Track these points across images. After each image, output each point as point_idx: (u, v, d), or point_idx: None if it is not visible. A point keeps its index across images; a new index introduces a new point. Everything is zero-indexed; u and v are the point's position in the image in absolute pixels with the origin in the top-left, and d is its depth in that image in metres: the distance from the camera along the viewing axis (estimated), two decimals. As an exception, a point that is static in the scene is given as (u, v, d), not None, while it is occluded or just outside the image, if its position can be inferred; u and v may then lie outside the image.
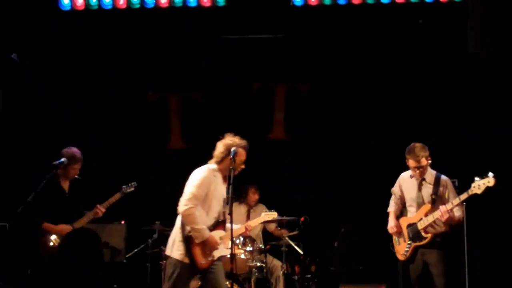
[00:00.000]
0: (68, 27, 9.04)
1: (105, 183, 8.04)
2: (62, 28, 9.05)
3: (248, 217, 8.48)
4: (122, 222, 8.32)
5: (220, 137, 6.15)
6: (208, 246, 5.89)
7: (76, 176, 7.25)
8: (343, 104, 9.43)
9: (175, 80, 9.60)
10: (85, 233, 7.09)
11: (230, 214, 5.79)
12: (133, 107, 9.61)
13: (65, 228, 6.99)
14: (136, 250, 8.33)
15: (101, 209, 7.22)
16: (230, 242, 5.83)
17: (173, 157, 9.63)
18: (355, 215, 8.84)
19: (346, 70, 9.28)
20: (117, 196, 7.40)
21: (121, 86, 9.47)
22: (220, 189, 6.01)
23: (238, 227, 6.40)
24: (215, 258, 5.99)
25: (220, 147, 6.05)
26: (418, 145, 6.49)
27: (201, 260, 5.89)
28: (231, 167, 5.90)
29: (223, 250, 6.06)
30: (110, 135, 9.30)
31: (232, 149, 5.97)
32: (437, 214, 6.38)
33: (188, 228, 5.87)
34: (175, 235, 5.99)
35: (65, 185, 7.21)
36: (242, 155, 6.04)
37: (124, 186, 7.50)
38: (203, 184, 5.90)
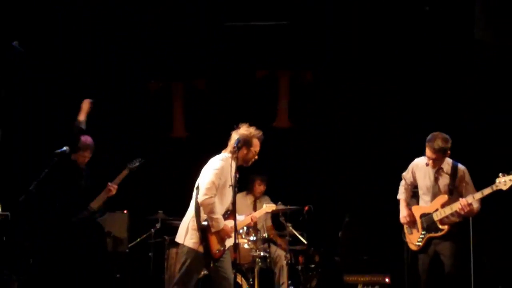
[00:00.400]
0: (69, 14, 9.01)
1: (107, 173, 8.06)
2: (63, 17, 9.03)
3: (254, 208, 8.47)
4: (125, 212, 8.40)
5: (234, 126, 6.17)
6: (222, 235, 5.97)
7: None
8: (348, 91, 9.39)
9: (178, 68, 9.60)
10: (89, 223, 7.18)
11: (233, 203, 5.87)
12: (136, 95, 9.62)
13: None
14: (138, 239, 8.36)
15: (113, 186, 7.26)
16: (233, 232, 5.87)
17: (176, 146, 9.67)
18: (359, 204, 8.82)
19: (351, 58, 9.21)
20: (124, 172, 7.40)
21: (123, 74, 9.45)
22: (233, 179, 6.03)
23: (243, 219, 6.49)
24: (227, 247, 6.07)
25: (235, 137, 6.09)
26: (441, 136, 6.30)
27: (216, 249, 5.97)
28: (234, 156, 6.00)
29: (232, 240, 6.07)
30: (111, 124, 9.29)
31: (236, 137, 6.02)
32: (456, 206, 6.29)
33: (203, 216, 5.93)
34: (188, 223, 6.03)
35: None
36: (256, 145, 6.12)
37: (130, 163, 7.50)
38: (221, 173, 5.95)
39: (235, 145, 6.00)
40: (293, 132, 9.63)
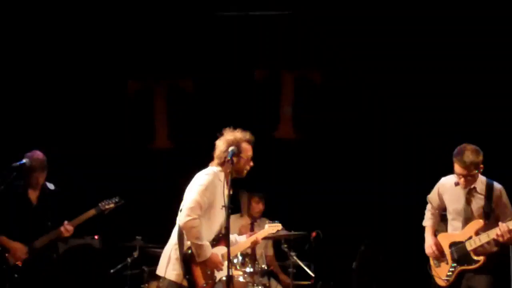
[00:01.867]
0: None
1: (77, 192, 8.01)
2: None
3: (251, 231, 8.38)
4: (96, 237, 8.32)
5: (218, 134, 6.14)
6: (210, 266, 5.92)
7: (49, 185, 7.26)
8: (363, 95, 9.34)
9: (160, 65, 9.58)
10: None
11: (227, 227, 5.77)
12: (110, 98, 9.59)
13: (19, 248, 7.00)
14: (112, 270, 8.24)
15: (67, 228, 7.14)
16: (226, 262, 5.81)
17: (158, 159, 9.65)
18: (377, 229, 8.76)
19: (366, 54, 9.15)
20: (91, 212, 7.29)
21: (95, 72, 9.44)
22: (225, 197, 5.99)
23: (243, 240, 6.41)
24: (217, 280, 6.01)
25: (220, 145, 6.07)
26: (470, 148, 6.23)
27: (202, 283, 5.91)
28: (228, 171, 5.94)
29: (224, 272, 6.02)
30: (81, 133, 9.29)
31: (230, 149, 5.97)
32: (493, 233, 6.18)
33: (187, 243, 5.89)
34: (170, 251, 6.00)
35: (33, 195, 7.21)
36: (247, 150, 6.10)
37: (102, 202, 7.37)
38: (208, 190, 5.92)
39: (229, 157, 5.94)
40: (298, 143, 9.61)
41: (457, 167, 6.27)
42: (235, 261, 7.36)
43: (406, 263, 8.07)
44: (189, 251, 5.88)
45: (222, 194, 5.91)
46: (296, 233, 7.82)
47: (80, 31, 9.25)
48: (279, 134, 9.69)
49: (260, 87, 9.70)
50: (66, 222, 7.13)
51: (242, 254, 7.47)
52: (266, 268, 7.91)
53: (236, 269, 7.37)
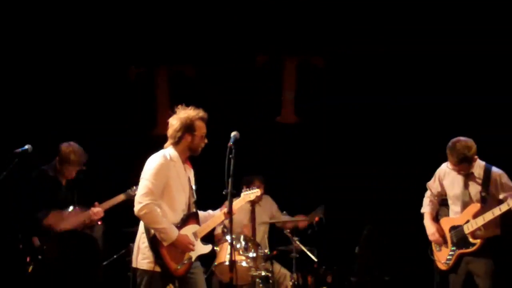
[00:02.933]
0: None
1: (82, 178, 8.00)
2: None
3: (253, 214, 8.48)
4: (99, 223, 8.29)
5: (170, 112, 6.13)
6: (179, 247, 5.82)
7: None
8: (366, 80, 9.31)
9: (162, 51, 9.58)
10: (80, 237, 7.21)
11: (230, 213, 5.71)
12: (112, 84, 9.59)
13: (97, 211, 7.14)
14: (115, 256, 8.30)
15: (96, 211, 7.19)
16: (229, 248, 5.75)
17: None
18: (380, 214, 8.74)
19: (372, 38, 9.11)
20: (120, 197, 7.40)
21: (97, 59, 9.42)
22: (183, 176, 5.97)
23: (216, 214, 6.26)
24: (193, 259, 5.94)
25: (174, 124, 6.03)
26: (462, 141, 6.34)
27: (175, 266, 5.82)
28: (230, 156, 5.79)
29: (202, 248, 6.00)
30: (84, 120, 9.25)
31: (232, 134, 5.88)
32: (488, 216, 6.25)
33: (152, 230, 5.80)
34: (138, 241, 5.92)
35: (63, 179, 7.31)
36: (201, 128, 6.03)
37: (132, 188, 7.42)
38: (159, 174, 5.83)
39: (231, 143, 5.80)
40: (300, 128, 9.62)
41: (450, 160, 6.41)
42: (238, 246, 7.36)
43: (409, 248, 8.02)
44: (156, 235, 5.79)
45: (177, 174, 5.88)
46: (299, 218, 7.87)
47: (81, 18, 9.20)
48: (281, 118, 9.70)
49: (262, 73, 9.69)
50: (96, 203, 7.22)
51: (245, 239, 7.47)
52: (268, 252, 7.90)
53: (239, 254, 7.39)
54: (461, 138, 6.37)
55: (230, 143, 5.83)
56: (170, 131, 6.03)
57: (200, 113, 6.06)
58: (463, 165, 6.35)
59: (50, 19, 9.16)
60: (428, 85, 9.02)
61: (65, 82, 9.34)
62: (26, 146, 6.86)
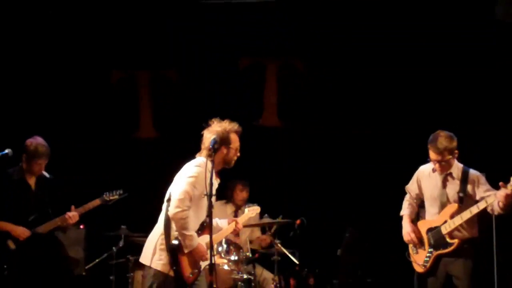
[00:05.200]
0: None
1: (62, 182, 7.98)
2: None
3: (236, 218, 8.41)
4: (81, 227, 8.34)
5: (204, 125, 6.12)
6: (196, 256, 5.92)
7: (45, 173, 7.25)
8: (348, 83, 9.35)
9: (144, 54, 9.54)
10: (48, 240, 7.12)
11: (209, 216, 5.79)
12: (93, 88, 9.54)
13: (23, 232, 6.97)
14: (97, 260, 8.29)
15: (72, 215, 7.12)
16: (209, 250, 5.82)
17: (143, 148, 9.66)
18: (362, 216, 8.79)
19: (352, 42, 9.15)
20: (95, 202, 7.34)
21: (78, 63, 9.38)
22: (213, 187, 5.96)
23: (224, 226, 6.41)
24: (202, 269, 6.03)
25: (209, 137, 6.04)
26: (443, 134, 6.35)
27: (188, 272, 5.92)
28: (218, 161, 5.97)
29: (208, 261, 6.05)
30: (65, 124, 9.23)
31: (212, 137, 5.96)
32: (466, 215, 6.26)
33: (174, 233, 5.89)
34: (156, 241, 5.98)
35: (31, 181, 7.21)
36: (236, 141, 6.11)
37: (106, 193, 7.43)
38: (197, 182, 5.90)
39: (211, 146, 5.93)
40: (282, 131, 9.63)
41: (431, 153, 6.37)
42: (219, 249, 7.35)
43: (392, 250, 7.93)
44: (176, 242, 5.86)
45: (210, 184, 5.91)
46: (280, 220, 7.85)
47: (62, 22, 9.15)
48: (264, 121, 9.70)
49: (244, 76, 9.70)
50: (71, 209, 7.15)
51: (226, 242, 7.46)
52: (250, 255, 7.88)
53: (220, 257, 7.38)
54: (442, 131, 6.38)
55: (210, 146, 5.92)
56: (205, 143, 6.04)
57: (235, 126, 6.13)
58: (445, 156, 6.30)
59: (32, 23, 9.11)
60: (408, 87, 9.09)
61: (47, 86, 9.29)
62: (6, 150, 6.83)
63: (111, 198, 7.44)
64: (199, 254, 5.92)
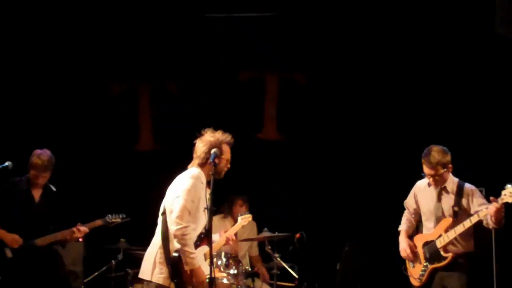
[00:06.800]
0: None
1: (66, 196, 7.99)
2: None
3: (234, 234, 8.38)
4: (80, 240, 8.24)
5: (197, 134, 6.11)
6: (196, 279, 5.87)
7: (51, 186, 7.28)
8: (349, 97, 9.36)
9: (145, 67, 9.56)
10: (47, 253, 7.11)
11: (209, 230, 5.77)
12: (94, 100, 9.55)
13: (15, 239, 6.96)
14: (96, 273, 8.31)
15: (80, 229, 7.13)
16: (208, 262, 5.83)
17: (143, 161, 9.64)
18: (361, 231, 8.80)
19: (352, 55, 9.18)
20: (97, 223, 7.35)
21: (78, 75, 9.39)
22: (207, 197, 5.96)
23: (216, 239, 6.40)
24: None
25: (201, 146, 6.04)
26: (436, 148, 6.38)
27: (190, 285, 5.88)
28: (211, 173, 5.89)
29: (207, 270, 5.96)
30: (65, 136, 9.21)
31: (212, 151, 5.95)
32: (459, 229, 6.29)
33: (173, 246, 5.87)
34: (154, 255, 5.96)
35: (37, 193, 7.22)
36: (227, 152, 6.08)
37: (109, 215, 7.42)
38: (193, 196, 5.90)
39: (211, 160, 5.91)
40: (282, 145, 9.63)
41: (425, 168, 6.41)
42: (219, 262, 7.32)
43: (390, 264, 7.97)
44: (177, 255, 5.83)
45: (204, 196, 5.91)
46: (279, 234, 7.83)
47: (62, 34, 9.18)
48: (263, 135, 9.69)
49: (244, 89, 9.70)
50: (78, 224, 7.15)
51: (226, 256, 7.44)
52: (249, 269, 7.88)
53: (220, 270, 7.32)
54: (435, 145, 6.41)
55: (210, 160, 5.91)
56: (197, 153, 6.04)
57: (228, 137, 6.12)
58: (438, 170, 6.32)
59: (31, 34, 9.13)
60: (408, 99, 9.09)
61: (47, 99, 9.28)
62: (7, 163, 6.88)
63: (113, 220, 7.43)
64: (198, 279, 5.86)
